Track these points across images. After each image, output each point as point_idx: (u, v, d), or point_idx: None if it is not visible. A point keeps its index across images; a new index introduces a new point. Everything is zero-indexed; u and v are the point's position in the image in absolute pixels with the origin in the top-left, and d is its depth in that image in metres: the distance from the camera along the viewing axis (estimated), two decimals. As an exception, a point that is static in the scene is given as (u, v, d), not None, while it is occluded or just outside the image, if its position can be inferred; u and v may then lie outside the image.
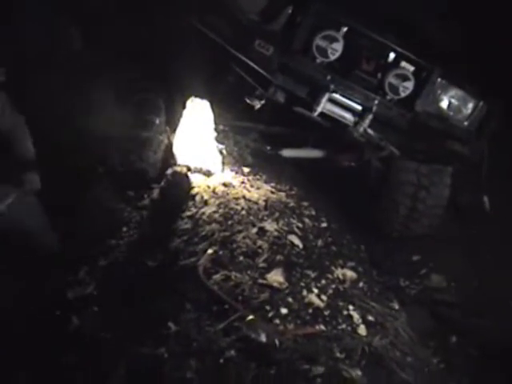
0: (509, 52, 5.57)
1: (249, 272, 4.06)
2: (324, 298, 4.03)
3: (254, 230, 4.63)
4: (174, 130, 5.78)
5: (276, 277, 4.04)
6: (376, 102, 4.91)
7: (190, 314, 3.71)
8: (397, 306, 4.60)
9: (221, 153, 5.94)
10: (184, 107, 5.73)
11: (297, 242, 4.66)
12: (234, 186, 5.42)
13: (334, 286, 4.26)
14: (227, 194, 5.24)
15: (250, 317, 3.59)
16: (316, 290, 4.08)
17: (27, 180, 4.42)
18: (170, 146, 5.76)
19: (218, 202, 5.04)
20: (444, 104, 5.12)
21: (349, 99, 4.94)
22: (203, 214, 4.87)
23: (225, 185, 5.42)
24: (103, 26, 5.70)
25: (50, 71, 5.27)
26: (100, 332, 4.13)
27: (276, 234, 4.64)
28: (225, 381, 3.28)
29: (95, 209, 5.33)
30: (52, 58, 5.39)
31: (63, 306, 4.44)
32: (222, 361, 3.35)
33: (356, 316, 3.96)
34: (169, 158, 5.76)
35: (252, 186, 5.58)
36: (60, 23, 5.66)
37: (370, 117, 4.97)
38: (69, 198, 4.92)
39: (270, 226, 4.72)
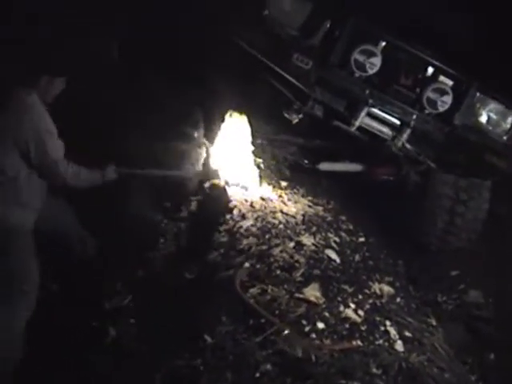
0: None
1: (285, 286, 4.06)
2: (361, 313, 4.01)
3: (291, 244, 4.63)
4: (212, 143, 5.80)
5: (313, 291, 4.04)
6: (414, 116, 4.89)
7: (226, 327, 3.71)
8: (434, 322, 4.56)
9: (258, 166, 5.95)
10: (222, 121, 5.75)
11: (334, 256, 4.65)
12: (271, 200, 5.43)
13: (371, 300, 4.24)
14: (265, 207, 5.25)
15: (287, 331, 3.59)
16: (353, 305, 4.06)
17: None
18: (208, 159, 5.79)
19: (255, 215, 5.06)
20: (483, 118, 5.09)
21: (387, 113, 4.93)
22: (241, 227, 4.88)
23: (262, 198, 5.44)
24: (141, 38, 5.74)
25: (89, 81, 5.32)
26: (136, 343, 4.16)
27: (313, 248, 4.64)
28: (260, 394, 3.28)
29: (133, 220, 5.36)
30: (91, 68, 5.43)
31: (100, 317, 4.48)
32: (257, 374, 3.34)
33: (393, 332, 3.93)
34: (207, 170, 5.78)
35: (289, 200, 5.59)
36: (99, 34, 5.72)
37: (408, 131, 4.96)
38: (107, 208, 4.95)
39: (307, 240, 4.72)
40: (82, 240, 4.75)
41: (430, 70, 4.97)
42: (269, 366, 3.40)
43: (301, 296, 3.98)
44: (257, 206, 5.24)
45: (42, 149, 3.95)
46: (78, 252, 4.71)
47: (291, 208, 5.35)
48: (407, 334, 3.99)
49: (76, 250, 4.70)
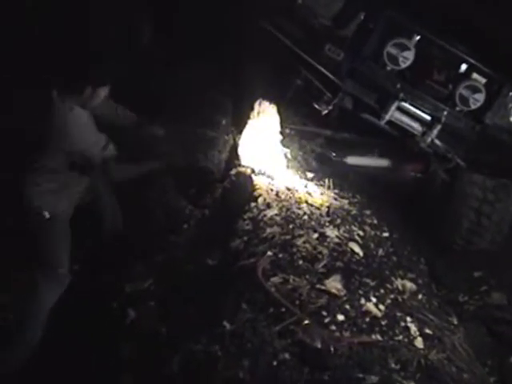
0: None
1: (307, 277, 4.03)
2: (382, 307, 3.98)
3: (315, 235, 4.60)
4: (240, 131, 5.79)
5: (334, 283, 4.01)
6: (445, 112, 4.86)
7: (246, 315, 3.69)
8: (455, 321, 4.52)
9: (285, 156, 5.92)
10: (251, 109, 5.73)
11: (357, 249, 4.61)
12: (297, 191, 5.40)
13: (392, 296, 4.21)
14: (290, 197, 5.22)
15: (306, 321, 3.57)
16: (374, 299, 4.03)
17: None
18: (235, 147, 5.77)
19: (280, 205, 5.03)
20: (515, 118, 5.05)
21: (418, 109, 4.91)
22: (265, 216, 4.86)
23: (288, 188, 5.40)
24: (174, 23, 5.74)
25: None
26: (155, 326, 4.17)
27: (337, 240, 4.61)
28: (277, 383, 3.26)
29: (157, 204, 5.37)
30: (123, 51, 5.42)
31: (120, 298, 4.50)
32: (275, 363, 3.32)
33: (413, 328, 3.90)
34: (233, 158, 5.77)
35: (315, 192, 5.56)
36: (132, 18, 5.71)
37: (439, 127, 4.93)
38: (132, 192, 4.96)
39: (331, 232, 4.69)
40: (115, 214, 4.78)
41: (464, 66, 4.94)
42: (287, 355, 3.38)
43: (322, 287, 3.95)
44: (282, 196, 5.21)
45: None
46: (109, 226, 4.74)
47: (316, 199, 5.32)
48: (427, 331, 3.95)
49: (108, 223, 4.74)
